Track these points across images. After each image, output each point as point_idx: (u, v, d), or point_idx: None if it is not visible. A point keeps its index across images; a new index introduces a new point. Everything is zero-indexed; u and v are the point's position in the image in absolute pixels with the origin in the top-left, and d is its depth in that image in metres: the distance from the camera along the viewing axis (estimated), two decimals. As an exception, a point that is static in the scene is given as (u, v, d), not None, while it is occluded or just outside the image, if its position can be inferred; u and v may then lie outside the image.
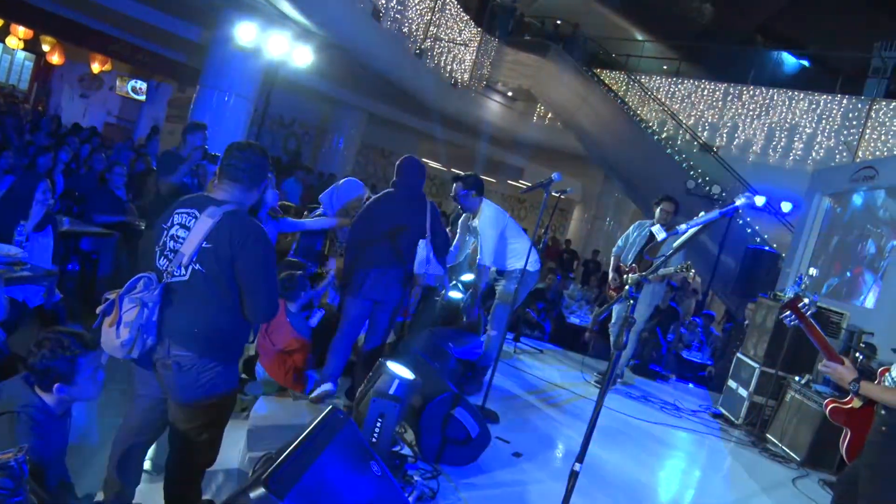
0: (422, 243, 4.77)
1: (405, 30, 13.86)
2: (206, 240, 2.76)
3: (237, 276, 2.80)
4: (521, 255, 5.44)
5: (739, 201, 2.61)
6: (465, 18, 15.99)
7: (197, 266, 2.79)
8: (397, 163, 5.03)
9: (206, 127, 5.93)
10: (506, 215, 5.74)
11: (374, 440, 3.29)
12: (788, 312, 3.11)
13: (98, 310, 2.86)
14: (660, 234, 2.79)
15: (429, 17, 14.60)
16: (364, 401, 3.53)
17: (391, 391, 3.47)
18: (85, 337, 2.73)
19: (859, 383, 2.89)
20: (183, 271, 2.80)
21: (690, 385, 8.43)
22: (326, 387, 4.70)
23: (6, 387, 2.65)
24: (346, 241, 5.12)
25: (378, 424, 3.31)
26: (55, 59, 18.67)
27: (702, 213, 2.62)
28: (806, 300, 3.12)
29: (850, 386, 2.93)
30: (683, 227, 2.63)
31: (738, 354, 6.98)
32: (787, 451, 5.89)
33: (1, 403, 2.56)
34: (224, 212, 2.80)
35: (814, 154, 13.79)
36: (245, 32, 10.69)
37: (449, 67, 15.84)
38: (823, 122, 13.84)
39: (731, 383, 6.92)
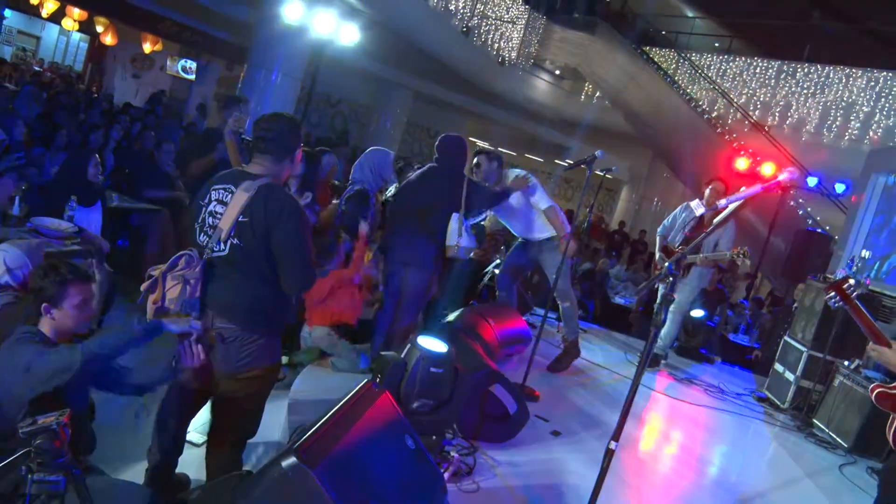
0: (455, 216, 4.90)
1: (452, 7, 13.78)
2: (242, 214, 2.79)
3: (273, 248, 2.82)
4: (549, 225, 5.51)
5: (782, 176, 2.54)
6: (513, -5, 15.83)
7: (235, 240, 2.82)
8: (438, 139, 5.13)
9: (247, 101, 5.94)
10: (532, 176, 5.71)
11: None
12: (833, 294, 3.04)
13: (142, 287, 2.93)
14: (698, 209, 2.74)
15: (476, -5, 14.50)
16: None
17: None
18: (80, 268, 2.83)
19: None
20: (222, 246, 2.84)
21: (736, 368, 8.28)
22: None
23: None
24: (388, 212, 5.23)
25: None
26: (108, 39, 19.07)
27: (742, 189, 2.56)
28: (852, 281, 3.02)
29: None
30: (723, 202, 2.58)
31: (786, 338, 6.83)
32: (834, 437, 5.75)
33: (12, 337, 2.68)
34: (259, 185, 2.82)
35: (871, 133, 13.34)
36: (292, 10, 10.74)
37: (496, 45, 15.71)
38: (882, 100, 13.37)
39: (778, 367, 6.78)
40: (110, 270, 4.81)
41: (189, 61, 20.80)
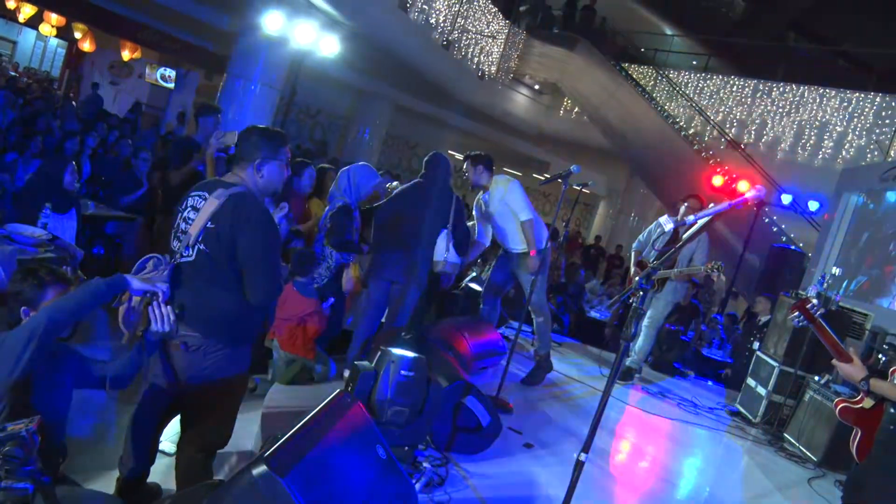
0: (443, 233, 4.99)
1: (433, 20, 13.86)
2: (210, 220, 2.81)
3: (238, 257, 2.82)
4: (539, 235, 5.56)
5: (749, 193, 2.59)
6: (493, 10, 15.94)
7: (202, 246, 2.83)
8: (426, 158, 5.24)
9: (220, 110, 5.95)
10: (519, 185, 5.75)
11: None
12: (797, 313, 3.12)
13: None
14: (667, 224, 2.79)
15: (456, 9, 14.58)
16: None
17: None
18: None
19: (869, 381, 2.87)
20: (190, 251, 2.85)
21: (709, 382, 8.35)
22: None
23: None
24: (374, 226, 5.22)
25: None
26: (86, 46, 18.94)
27: (711, 205, 2.61)
28: (815, 301, 3.09)
29: (860, 384, 2.90)
30: (692, 218, 2.62)
31: (758, 353, 6.91)
32: (804, 450, 5.82)
33: None
34: (230, 193, 2.83)
35: (844, 153, 13.57)
36: (272, 21, 10.76)
37: (476, 59, 15.82)
38: (855, 120, 13.61)
39: (750, 381, 6.85)
40: (84, 279, 4.77)
41: (168, 70, 20.71)
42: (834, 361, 3.00)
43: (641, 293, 2.73)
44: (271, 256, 2.91)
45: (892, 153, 12.57)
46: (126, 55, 19.40)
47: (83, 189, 7.08)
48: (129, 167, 7.55)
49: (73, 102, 15.76)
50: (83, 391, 2.89)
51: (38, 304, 2.68)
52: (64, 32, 18.60)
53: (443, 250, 4.97)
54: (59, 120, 11.17)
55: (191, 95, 20.51)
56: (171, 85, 20.78)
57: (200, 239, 2.82)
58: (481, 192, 5.68)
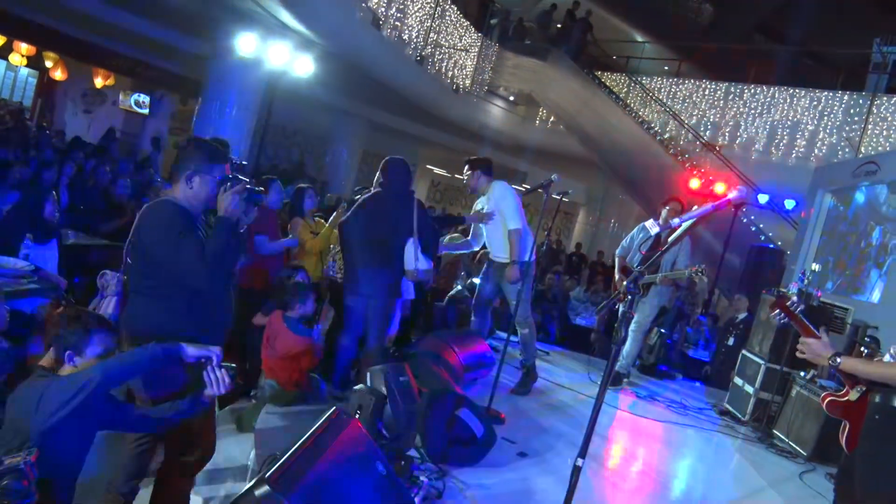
0: (410, 241, 4.91)
1: (406, 37, 13.93)
2: (132, 233, 2.88)
3: (157, 262, 2.83)
4: (524, 247, 5.57)
5: (731, 194, 2.64)
6: (465, 24, 16.04)
7: (128, 258, 2.92)
8: (382, 163, 5.12)
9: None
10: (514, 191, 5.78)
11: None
12: (778, 311, 3.16)
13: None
14: (653, 228, 2.84)
15: (429, 24, 14.66)
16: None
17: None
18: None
19: (839, 357, 2.90)
20: (124, 268, 2.98)
21: (697, 383, 8.43)
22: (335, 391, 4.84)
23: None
24: (342, 242, 5.21)
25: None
26: (58, 74, 18.81)
27: (695, 208, 2.65)
28: (794, 298, 3.14)
29: (830, 362, 2.93)
30: (677, 221, 2.67)
31: (744, 351, 6.98)
32: (794, 445, 5.89)
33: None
34: (147, 204, 2.94)
35: (816, 151, 13.77)
36: (246, 43, 10.76)
37: (450, 73, 15.90)
38: (825, 118, 13.83)
39: (738, 380, 6.92)
40: (73, 303, 4.75)
41: (142, 95, 20.61)
42: (801, 340, 3.02)
43: (629, 297, 2.77)
44: (175, 243, 2.81)
45: (862, 150, 12.80)
46: (99, 82, 19.30)
47: (62, 219, 7.02)
48: (107, 195, 7.51)
49: (47, 132, 15.64)
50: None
51: (84, 350, 2.64)
52: (35, 62, 18.46)
53: (412, 259, 4.93)
54: (34, 150, 11.08)
55: (166, 120, 20.42)
56: (146, 111, 20.67)
57: (127, 252, 2.92)
58: (479, 195, 5.73)
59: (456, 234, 6.84)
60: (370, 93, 15.57)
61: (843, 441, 3.28)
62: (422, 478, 3.65)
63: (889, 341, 5.80)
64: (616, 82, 16.95)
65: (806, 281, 6.37)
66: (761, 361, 6.53)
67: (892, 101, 13.09)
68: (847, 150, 13.18)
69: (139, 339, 2.78)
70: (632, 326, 6.91)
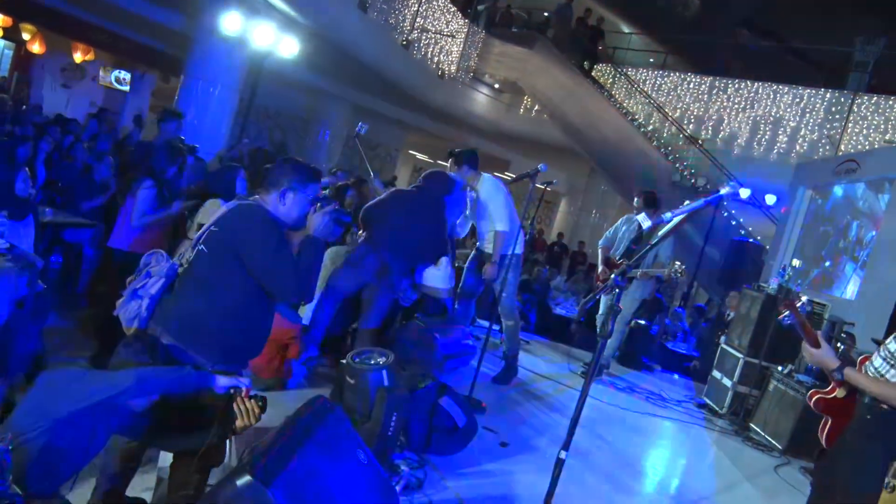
0: (444, 260, 4.98)
1: (392, 20, 13.81)
2: (214, 223, 2.83)
3: (247, 264, 2.79)
4: (510, 241, 5.55)
5: (724, 190, 2.63)
6: (452, 10, 15.93)
7: (201, 246, 2.83)
8: (426, 172, 5.26)
9: (182, 116, 5.87)
10: (504, 186, 5.76)
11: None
12: (787, 312, 3.09)
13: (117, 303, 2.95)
14: (645, 222, 2.82)
15: (416, 9, 14.55)
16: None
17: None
18: None
19: (843, 371, 2.91)
20: (190, 253, 2.88)
21: (676, 376, 8.48)
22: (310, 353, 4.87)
23: None
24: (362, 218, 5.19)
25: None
26: (36, 48, 18.42)
27: (687, 202, 2.64)
28: (805, 299, 3.13)
29: (834, 374, 2.94)
30: (668, 215, 2.65)
31: (723, 345, 7.03)
32: (770, 439, 5.95)
33: None
34: (240, 202, 2.87)
35: (798, 147, 13.89)
36: (230, 21, 10.59)
37: (436, 59, 15.80)
38: (807, 115, 13.93)
39: (716, 373, 6.98)
40: (45, 287, 4.66)
41: (123, 72, 20.29)
42: (806, 346, 3.01)
43: (617, 290, 2.75)
44: (281, 254, 2.82)
45: (842, 147, 12.92)
46: (78, 57, 18.94)
47: (39, 195, 6.90)
48: (88, 172, 7.38)
49: (24, 106, 15.35)
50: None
51: None
52: (11, 34, 18.07)
53: (445, 278, 5.00)
54: (10, 125, 10.88)
55: (147, 98, 20.13)
56: (127, 88, 20.35)
57: (202, 240, 2.84)
58: (468, 188, 5.71)
59: None
60: (355, 76, 15.43)
61: (822, 436, 3.31)
62: (402, 466, 3.64)
63: (864, 337, 5.90)
64: (601, 73, 16.96)
65: (786, 276, 6.42)
66: (740, 355, 6.58)
67: (872, 101, 13.22)
68: (828, 147, 13.30)
69: (179, 329, 2.80)
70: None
